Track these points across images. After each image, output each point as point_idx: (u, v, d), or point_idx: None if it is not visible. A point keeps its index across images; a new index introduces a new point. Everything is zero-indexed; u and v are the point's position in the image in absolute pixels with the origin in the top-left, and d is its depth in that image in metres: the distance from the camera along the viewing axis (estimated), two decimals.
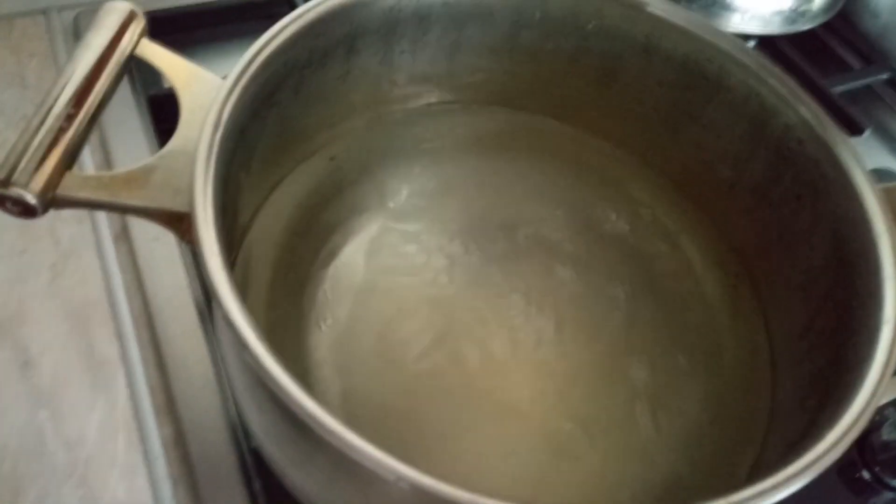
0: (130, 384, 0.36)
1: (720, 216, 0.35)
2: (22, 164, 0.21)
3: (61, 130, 0.22)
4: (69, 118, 0.23)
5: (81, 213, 0.41)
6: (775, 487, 0.21)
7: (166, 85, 0.44)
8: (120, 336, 0.38)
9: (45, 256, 0.40)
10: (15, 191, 0.21)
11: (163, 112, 0.43)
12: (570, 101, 0.36)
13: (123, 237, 0.40)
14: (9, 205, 0.21)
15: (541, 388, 0.32)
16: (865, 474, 0.34)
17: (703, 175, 0.34)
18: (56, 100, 0.23)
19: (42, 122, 0.22)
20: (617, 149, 0.37)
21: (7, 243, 0.40)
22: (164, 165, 0.24)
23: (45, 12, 0.48)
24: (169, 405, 0.36)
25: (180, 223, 0.24)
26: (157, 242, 0.40)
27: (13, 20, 0.48)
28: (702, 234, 0.35)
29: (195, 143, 0.24)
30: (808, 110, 0.29)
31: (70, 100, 0.23)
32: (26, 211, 0.22)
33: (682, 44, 0.31)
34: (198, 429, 0.36)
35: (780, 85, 0.29)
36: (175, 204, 0.23)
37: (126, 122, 0.43)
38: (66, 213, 0.41)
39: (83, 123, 0.23)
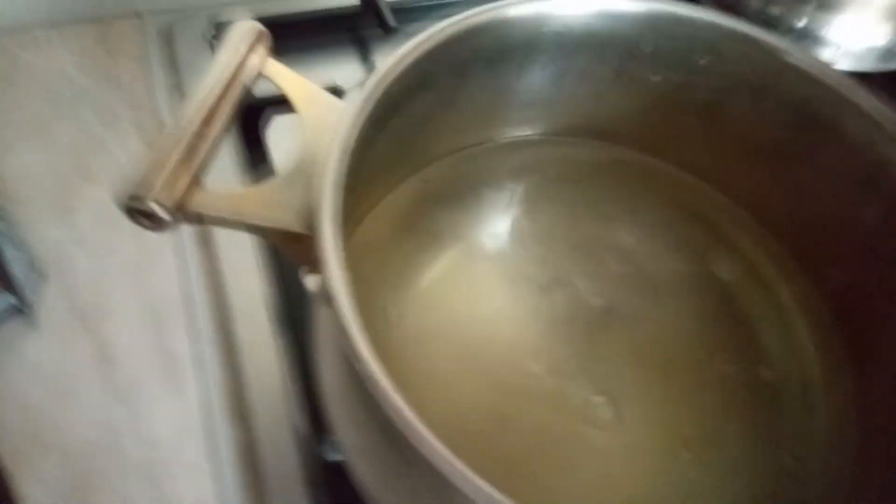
0: (203, 387, 0.37)
1: (819, 264, 0.34)
2: (158, 180, 0.22)
3: (193, 148, 0.23)
4: (200, 136, 0.23)
5: None
6: None
7: (256, 94, 0.46)
8: (196, 339, 0.38)
9: (130, 256, 0.40)
10: (150, 205, 0.21)
11: (249, 119, 0.44)
12: (669, 136, 0.36)
13: (205, 241, 0.41)
14: (141, 217, 0.22)
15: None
16: None
17: (805, 223, 0.34)
18: (190, 117, 0.23)
19: (178, 139, 0.23)
20: (714, 189, 0.36)
21: (96, 241, 0.40)
22: (285, 185, 0.24)
23: (139, 15, 0.49)
24: (241, 411, 0.36)
25: (298, 244, 0.24)
26: (237, 249, 0.41)
27: (111, 22, 0.49)
28: (797, 284, 0.34)
29: (315, 164, 0.24)
30: None
31: (204, 118, 0.23)
32: (157, 225, 0.22)
33: (799, 85, 0.30)
34: (268, 437, 0.36)
35: None
36: (296, 225, 0.24)
37: None
38: None
39: (214, 141, 0.23)
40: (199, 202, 0.23)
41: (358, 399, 0.25)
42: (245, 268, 0.40)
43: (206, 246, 0.41)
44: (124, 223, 0.41)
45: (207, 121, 0.23)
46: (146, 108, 0.45)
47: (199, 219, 0.23)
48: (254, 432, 0.36)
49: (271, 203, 0.24)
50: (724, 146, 0.35)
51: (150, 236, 0.41)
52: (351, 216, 0.30)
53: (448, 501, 0.22)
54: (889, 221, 0.30)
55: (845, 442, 0.31)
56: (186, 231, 0.41)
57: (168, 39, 0.48)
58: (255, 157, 0.43)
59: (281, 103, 0.30)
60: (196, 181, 0.23)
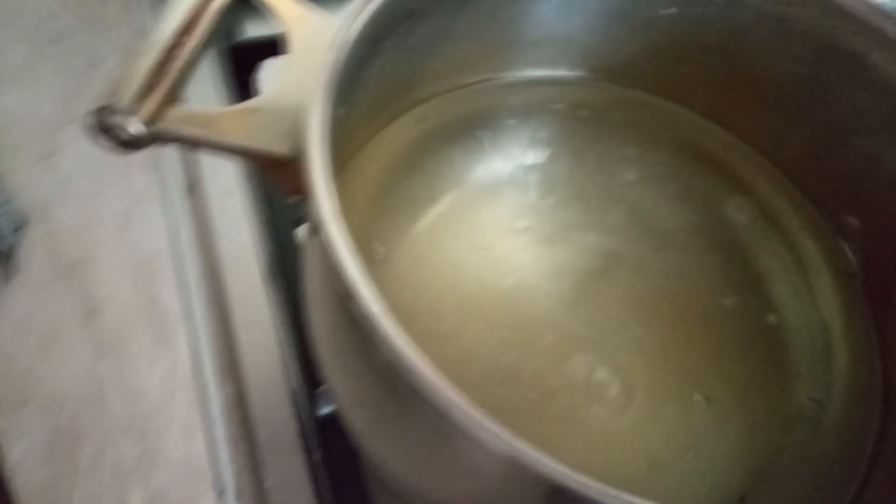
0: (192, 340, 0.35)
1: (840, 208, 0.32)
2: (127, 92, 0.20)
3: (168, 59, 0.21)
4: (178, 46, 0.21)
5: (153, 162, 0.40)
6: None
7: (249, 35, 0.44)
8: (184, 291, 0.37)
9: (115, 204, 0.39)
10: (119, 118, 0.20)
11: (241, 63, 0.42)
12: (684, 77, 0.34)
13: (194, 189, 0.39)
14: (110, 134, 0.20)
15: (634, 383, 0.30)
16: None
17: (826, 164, 0.32)
18: (166, 27, 0.21)
19: (151, 50, 0.21)
20: (730, 133, 0.34)
21: (79, 188, 0.39)
22: (270, 106, 0.22)
23: None
24: (231, 365, 0.35)
25: (281, 168, 0.22)
26: (228, 197, 0.39)
27: None
28: (816, 229, 0.32)
29: (303, 86, 0.22)
30: None
31: (179, 28, 0.21)
32: (128, 143, 0.20)
33: (826, 15, 0.28)
34: (259, 391, 0.35)
35: None
36: (281, 147, 0.22)
37: (203, 69, 0.41)
38: (139, 160, 0.40)
39: (192, 54, 0.21)
40: (175, 118, 0.21)
41: (352, 342, 0.24)
42: (235, 217, 0.39)
43: (195, 194, 0.40)
44: (110, 169, 0.40)
45: (187, 31, 0.21)
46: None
47: (174, 137, 0.21)
48: (245, 386, 0.34)
49: (255, 124, 0.22)
50: (741, 86, 0.33)
51: (137, 182, 0.40)
52: (341, 147, 0.29)
53: (454, 448, 0.21)
54: None
55: (869, 390, 0.29)
56: (174, 178, 0.40)
57: None
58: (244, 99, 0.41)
59: (274, 45, 0.28)
60: (172, 95, 0.21)
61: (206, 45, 0.22)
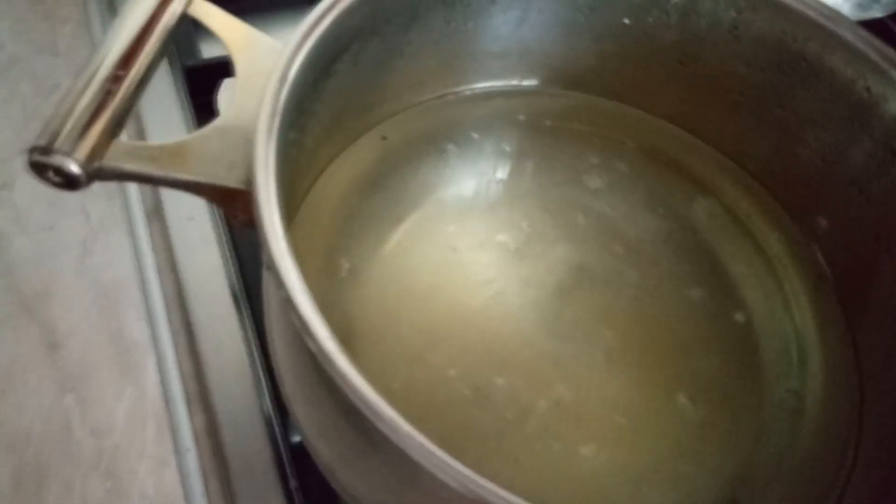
0: (161, 370, 0.35)
1: (806, 210, 0.32)
2: (65, 130, 0.19)
3: (108, 94, 0.20)
4: (116, 80, 0.20)
5: (113, 189, 0.39)
6: None
7: (204, 55, 0.43)
8: (150, 319, 0.36)
9: (74, 233, 0.38)
10: (58, 158, 0.19)
11: (199, 84, 0.41)
12: (644, 84, 0.34)
13: (156, 215, 0.39)
14: (50, 174, 0.19)
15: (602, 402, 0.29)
16: None
17: (788, 166, 0.32)
18: (103, 60, 0.20)
19: (87, 85, 0.20)
20: (694, 136, 0.34)
21: (35, 219, 0.38)
22: (217, 136, 0.22)
23: None
24: (201, 393, 0.34)
25: (233, 201, 0.22)
26: (191, 222, 0.38)
27: None
28: (784, 231, 0.32)
29: (252, 113, 0.21)
30: None
31: (118, 61, 0.21)
32: (68, 182, 0.20)
33: (777, 21, 0.28)
34: (232, 420, 0.34)
35: (893, 68, 0.26)
36: (230, 179, 0.21)
37: (161, 93, 0.41)
38: (97, 188, 0.39)
39: (131, 87, 0.21)
40: (117, 154, 0.20)
41: (312, 375, 0.23)
42: (200, 241, 0.38)
43: (159, 221, 0.39)
44: (67, 198, 0.39)
45: (126, 64, 0.21)
46: None
47: (117, 174, 0.20)
48: (217, 414, 0.34)
49: (203, 156, 0.21)
50: (702, 91, 0.33)
51: (96, 210, 0.39)
52: (300, 170, 0.28)
53: (418, 482, 0.20)
54: (877, 160, 0.28)
55: (846, 391, 0.29)
56: (136, 204, 0.39)
57: (110, 3, 0.45)
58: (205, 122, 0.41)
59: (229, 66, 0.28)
60: (112, 131, 0.20)
61: (146, 76, 0.21)
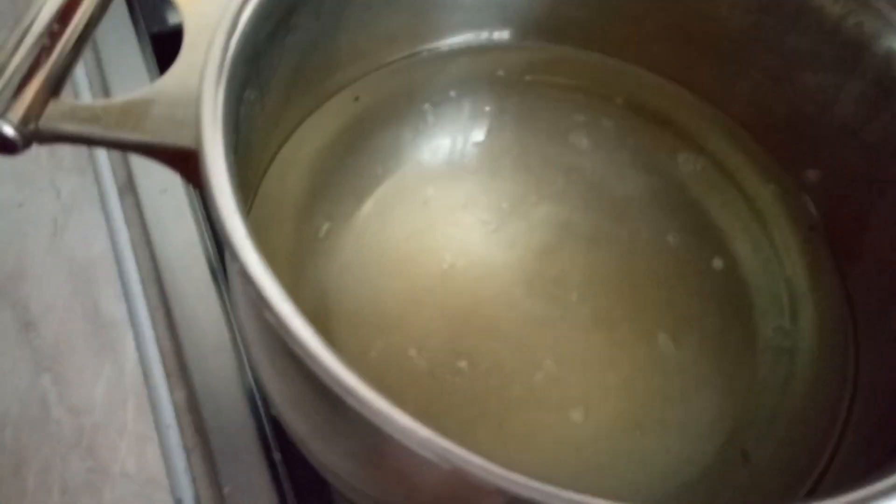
0: (139, 347, 0.34)
1: (797, 159, 0.31)
2: None
3: (44, 50, 0.19)
4: (52, 36, 0.19)
5: (83, 163, 0.38)
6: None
7: (171, 21, 0.41)
8: (127, 296, 0.35)
9: (45, 210, 0.37)
10: None
11: (167, 51, 0.39)
12: (627, 34, 0.32)
13: (129, 189, 0.38)
14: None
15: (579, 353, 0.28)
16: None
17: (778, 113, 0.30)
18: (37, 15, 0.19)
19: (20, 41, 0.19)
20: (678, 85, 0.33)
21: (4, 196, 0.37)
22: (165, 95, 0.21)
23: None
24: (180, 369, 0.33)
25: (187, 162, 0.20)
26: (165, 195, 0.37)
27: None
28: (774, 181, 0.31)
29: (201, 69, 0.20)
30: None
31: (54, 14, 0.19)
32: (3, 146, 0.18)
33: None
34: (212, 394, 0.33)
35: (884, 5, 0.25)
36: (180, 139, 0.20)
37: (128, 61, 0.39)
38: (67, 163, 0.38)
39: (70, 42, 0.19)
40: (56, 115, 0.19)
41: (277, 347, 0.22)
42: (175, 214, 0.37)
43: (132, 195, 0.38)
44: (36, 175, 0.38)
45: (63, 18, 0.19)
46: None
47: (57, 135, 0.19)
48: (197, 389, 0.33)
49: (149, 116, 0.20)
50: (686, 38, 0.32)
51: (67, 186, 0.38)
52: (267, 132, 0.27)
53: (386, 451, 0.19)
54: (869, 101, 0.26)
55: (839, 330, 0.28)
56: (108, 178, 0.38)
57: None
58: None
59: None
60: (49, 90, 0.19)
61: (86, 32, 0.20)
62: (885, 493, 0.17)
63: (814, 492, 0.25)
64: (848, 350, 0.28)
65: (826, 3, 0.26)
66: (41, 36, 0.19)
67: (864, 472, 0.19)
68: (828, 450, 0.26)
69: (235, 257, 0.17)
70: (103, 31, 0.40)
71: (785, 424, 0.27)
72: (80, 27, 0.20)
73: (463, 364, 0.28)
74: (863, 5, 0.26)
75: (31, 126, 0.19)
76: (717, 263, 0.31)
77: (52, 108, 0.19)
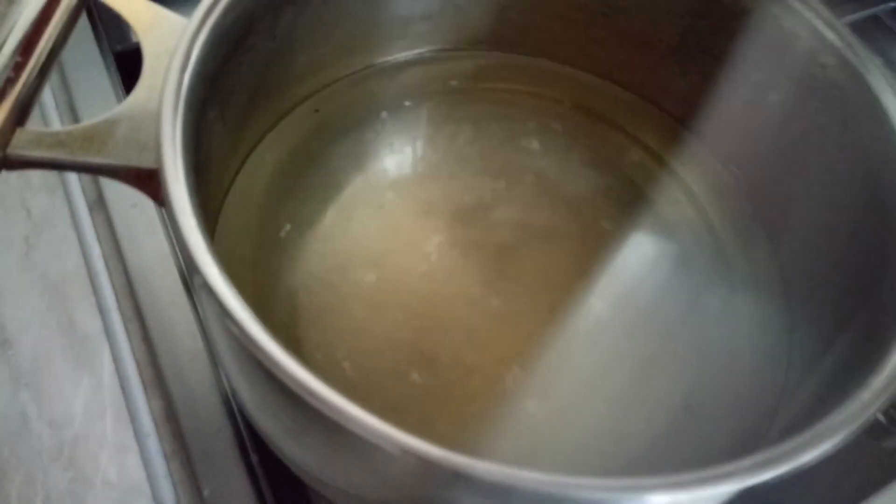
0: (115, 359, 0.34)
1: (733, 153, 0.33)
2: None
3: (9, 81, 0.20)
4: (17, 67, 0.20)
5: (53, 182, 0.39)
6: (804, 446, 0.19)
7: (134, 39, 0.42)
8: (101, 309, 0.36)
9: (16, 229, 0.37)
10: None
11: (132, 69, 0.40)
12: (570, 40, 0.34)
13: (99, 205, 0.38)
14: None
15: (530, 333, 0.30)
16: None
17: (714, 111, 0.32)
18: (1, 46, 0.20)
19: None
20: (624, 90, 0.34)
21: None
22: (127, 118, 0.22)
23: None
24: (157, 378, 0.34)
25: (150, 182, 0.21)
26: (135, 209, 0.38)
27: None
28: (710, 173, 0.33)
29: (158, 92, 0.21)
30: (835, 33, 0.26)
31: (17, 46, 0.20)
32: None
33: None
34: (189, 402, 0.34)
35: (802, 6, 0.27)
36: (142, 160, 0.21)
37: (93, 80, 0.40)
38: (37, 182, 0.39)
39: (34, 71, 0.20)
40: (23, 142, 0.20)
41: (241, 353, 0.23)
42: (146, 227, 0.38)
43: (102, 210, 0.38)
44: (5, 195, 0.39)
45: (27, 49, 0.20)
46: None
47: (25, 162, 0.20)
48: (174, 398, 0.34)
49: (112, 139, 0.21)
50: (627, 43, 0.33)
51: (38, 204, 0.38)
52: (230, 147, 0.28)
53: (351, 447, 0.21)
54: (798, 98, 0.28)
55: (775, 306, 0.30)
56: (78, 195, 0.39)
57: None
58: None
59: None
60: (16, 119, 0.20)
61: (49, 61, 0.21)
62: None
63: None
64: (782, 326, 0.30)
65: (753, 6, 0.28)
66: (5, 68, 0.20)
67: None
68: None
69: (197, 271, 0.18)
70: (68, 51, 0.41)
71: (732, 390, 0.29)
72: (44, 56, 0.21)
73: (425, 361, 0.29)
74: (782, 5, 0.27)
75: None
76: (670, 255, 0.32)
77: (19, 136, 0.20)
